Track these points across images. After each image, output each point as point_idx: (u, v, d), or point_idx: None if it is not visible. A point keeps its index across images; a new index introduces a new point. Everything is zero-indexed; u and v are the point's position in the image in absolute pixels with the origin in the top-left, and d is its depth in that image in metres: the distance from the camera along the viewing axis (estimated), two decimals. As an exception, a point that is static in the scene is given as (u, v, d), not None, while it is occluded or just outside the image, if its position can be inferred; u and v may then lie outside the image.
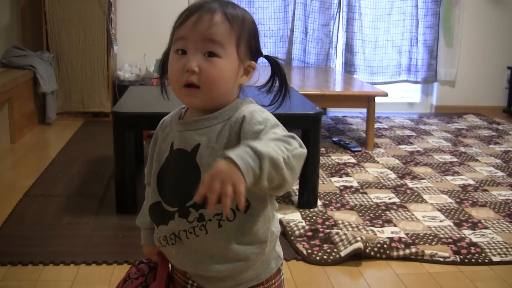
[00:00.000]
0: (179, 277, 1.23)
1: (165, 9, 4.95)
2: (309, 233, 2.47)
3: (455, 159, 3.73)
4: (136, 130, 3.30)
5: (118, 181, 2.69)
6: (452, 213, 2.78)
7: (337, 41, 5.18)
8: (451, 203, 2.92)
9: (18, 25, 4.88)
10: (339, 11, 5.12)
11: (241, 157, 0.91)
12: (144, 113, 2.64)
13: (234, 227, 1.11)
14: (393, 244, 2.36)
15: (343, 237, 2.38)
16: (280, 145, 0.98)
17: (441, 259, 2.31)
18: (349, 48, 5.17)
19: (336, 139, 4.12)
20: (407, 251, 2.33)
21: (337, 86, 4.48)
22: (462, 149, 4.01)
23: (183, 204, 1.13)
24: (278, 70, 1.21)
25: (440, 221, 2.66)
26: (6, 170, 3.48)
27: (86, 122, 4.71)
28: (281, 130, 1.08)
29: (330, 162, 3.58)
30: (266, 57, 1.20)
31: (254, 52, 1.17)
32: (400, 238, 2.45)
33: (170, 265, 1.28)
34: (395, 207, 2.83)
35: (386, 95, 3.87)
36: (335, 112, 5.20)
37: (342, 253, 2.29)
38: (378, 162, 3.63)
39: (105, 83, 4.72)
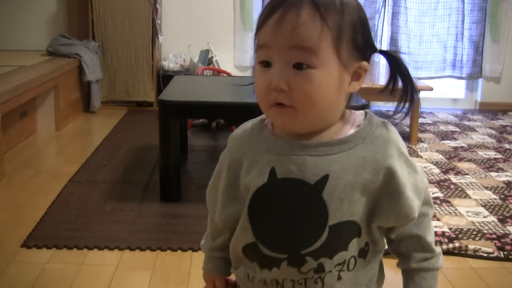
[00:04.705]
0: None
1: (210, 0, 4.97)
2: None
3: (499, 156, 3.67)
4: (182, 119, 3.33)
5: (162, 169, 2.72)
6: (496, 209, 2.73)
7: (382, 35, 5.13)
8: (495, 199, 2.87)
9: (65, 14, 4.96)
10: (385, 5, 5.07)
11: None
12: (189, 102, 2.66)
13: (353, 277, 0.95)
14: (437, 238, 2.34)
15: (386, 230, 2.36)
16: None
17: (485, 255, 2.28)
18: (394, 43, 5.11)
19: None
20: (451, 245, 2.30)
21: (382, 80, 4.42)
22: (507, 145, 3.93)
23: (296, 251, 0.91)
24: (399, 68, 0.95)
25: (484, 217, 2.62)
26: (52, 157, 3.55)
27: (130, 111, 4.76)
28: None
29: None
30: (383, 52, 0.96)
31: (364, 48, 0.91)
32: (443, 232, 2.42)
33: None
34: (438, 202, 2.80)
35: (431, 89, 3.83)
36: (378, 106, 5.15)
37: (387, 246, 2.28)
38: (421, 157, 3.59)
39: (149, 73, 4.76)
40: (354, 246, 0.93)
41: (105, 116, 4.58)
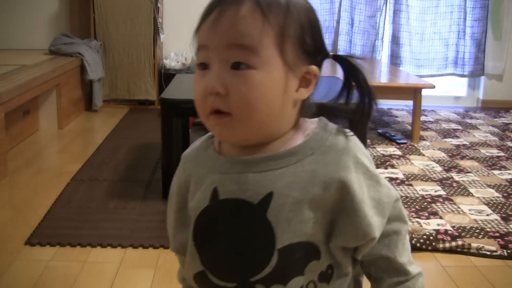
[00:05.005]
0: None
1: (211, -1, 4.96)
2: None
3: (502, 154, 3.66)
4: (183, 117, 3.33)
5: (164, 167, 2.72)
6: (499, 207, 2.73)
7: (383, 32, 5.13)
8: (498, 197, 2.87)
9: (67, 13, 4.96)
10: (386, 3, 5.07)
11: None
12: (191, 100, 2.64)
13: None
14: (439, 236, 2.33)
15: (388, 228, 2.36)
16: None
17: (488, 253, 2.27)
18: (395, 40, 5.11)
19: (381, 131, 4.09)
20: (453, 243, 2.30)
21: (383, 77, 4.43)
22: (510, 143, 3.92)
23: (245, 279, 0.82)
24: (355, 76, 0.85)
25: (487, 215, 2.62)
26: (54, 155, 3.56)
27: (132, 109, 4.76)
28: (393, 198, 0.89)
29: (375, 154, 3.56)
30: (335, 57, 0.86)
31: (313, 51, 0.83)
32: (446, 230, 2.42)
33: None
34: (441, 200, 2.80)
35: (433, 87, 3.83)
36: (380, 104, 5.15)
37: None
38: (423, 155, 3.58)
39: (151, 72, 4.76)
40: (312, 270, 0.83)
41: (107, 114, 4.58)
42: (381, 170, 3.24)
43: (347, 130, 0.84)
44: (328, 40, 5.10)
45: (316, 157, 0.81)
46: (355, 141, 0.84)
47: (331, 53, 0.86)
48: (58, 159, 3.47)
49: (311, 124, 0.85)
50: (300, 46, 0.81)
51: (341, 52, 5.11)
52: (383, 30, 5.13)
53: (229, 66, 0.77)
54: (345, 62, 0.86)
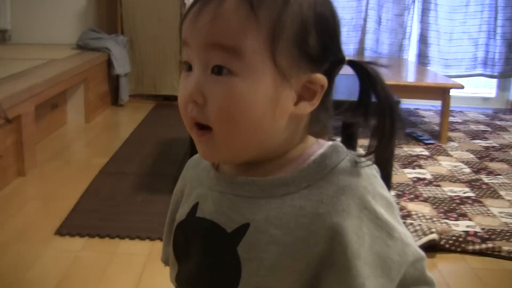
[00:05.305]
0: None
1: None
2: (382, 222, 2.43)
3: (532, 156, 3.62)
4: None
5: (192, 161, 2.72)
6: (531, 210, 2.69)
7: (411, 31, 5.09)
8: (529, 200, 2.83)
9: (94, 9, 4.99)
10: (414, 1, 5.02)
11: None
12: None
13: None
14: (469, 238, 2.30)
15: (418, 227, 2.34)
16: None
17: (520, 256, 2.24)
18: (423, 39, 5.07)
19: (408, 130, 4.06)
20: (483, 245, 2.27)
21: (411, 77, 4.40)
22: (540, 146, 3.88)
23: None
24: (373, 85, 0.68)
25: (518, 218, 2.59)
26: (81, 148, 3.58)
27: (157, 105, 4.77)
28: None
29: (402, 154, 3.53)
30: (350, 63, 0.69)
31: (319, 56, 0.67)
32: (475, 232, 2.39)
33: None
34: (470, 202, 2.76)
35: (462, 87, 3.78)
36: (406, 104, 5.11)
37: (417, 244, 2.25)
38: (451, 156, 3.55)
39: (176, 67, 4.77)
40: None
41: (133, 109, 4.60)
42: (408, 170, 3.22)
43: (363, 160, 0.68)
44: (355, 39, 5.07)
45: (310, 191, 0.65)
46: (368, 176, 0.67)
47: (346, 59, 0.69)
48: (85, 152, 3.50)
49: (320, 148, 0.70)
50: (300, 48, 0.65)
51: (368, 51, 5.08)
52: (411, 29, 5.09)
53: (210, 70, 0.65)
54: (362, 69, 0.69)
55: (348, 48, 5.01)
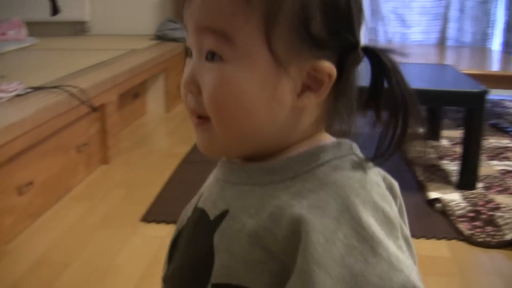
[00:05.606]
0: None
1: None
2: (471, 214, 2.36)
3: None
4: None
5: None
6: None
7: (495, 19, 4.91)
8: None
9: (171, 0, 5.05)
10: (500, -12, 4.85)
11: None
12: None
13: None
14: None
15: (508, 220, 2.26)
16: None
17: None
18: (509, 28, 4.88)
19: (493, 121, 3.92)
20: None
21: (495, 66, 4.25)
22: None
23: None
24: (387, 75, 0.60)
25: None
26: (163, 137, 3.64)
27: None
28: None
29: (488, 145, 3.41)
30: (364, 50, 0.61)
31: (325, 40, 0.59)
32: None
33: None
34: None
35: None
36: (491, 95, 4.93)
37: (508, 237, 2.17)
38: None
39: (254, 58, 4.76)
40: None
41: (212, 99, 4.62)
42: (495, 162, 3.10)
43: (370, 165, 0.60)
44: (436, 27, 4.93)
45: (292, 183, 0.59)
46: (366, 181, 0.58)
47: (359, 42, 0.61)
48: (167, 141, 3.54)
49: (322, 142, 0.63)
50: (301, 34, 0.58)
51: (449, 39, 4.93)
52: (496, 17, 4.91)
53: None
54: (374, 56, 0.61)
55: (429, 37, 4.89)
